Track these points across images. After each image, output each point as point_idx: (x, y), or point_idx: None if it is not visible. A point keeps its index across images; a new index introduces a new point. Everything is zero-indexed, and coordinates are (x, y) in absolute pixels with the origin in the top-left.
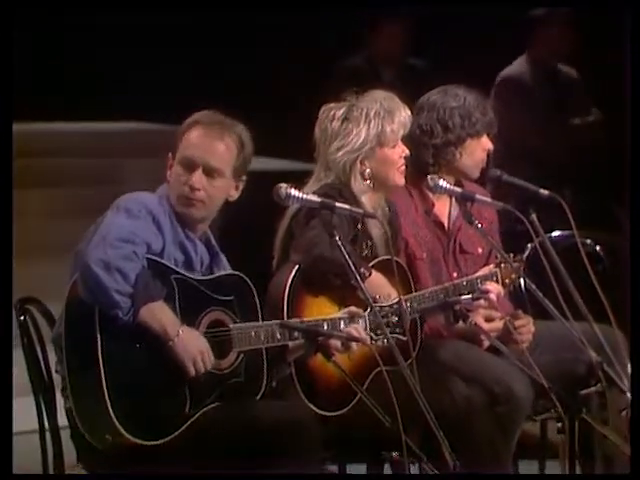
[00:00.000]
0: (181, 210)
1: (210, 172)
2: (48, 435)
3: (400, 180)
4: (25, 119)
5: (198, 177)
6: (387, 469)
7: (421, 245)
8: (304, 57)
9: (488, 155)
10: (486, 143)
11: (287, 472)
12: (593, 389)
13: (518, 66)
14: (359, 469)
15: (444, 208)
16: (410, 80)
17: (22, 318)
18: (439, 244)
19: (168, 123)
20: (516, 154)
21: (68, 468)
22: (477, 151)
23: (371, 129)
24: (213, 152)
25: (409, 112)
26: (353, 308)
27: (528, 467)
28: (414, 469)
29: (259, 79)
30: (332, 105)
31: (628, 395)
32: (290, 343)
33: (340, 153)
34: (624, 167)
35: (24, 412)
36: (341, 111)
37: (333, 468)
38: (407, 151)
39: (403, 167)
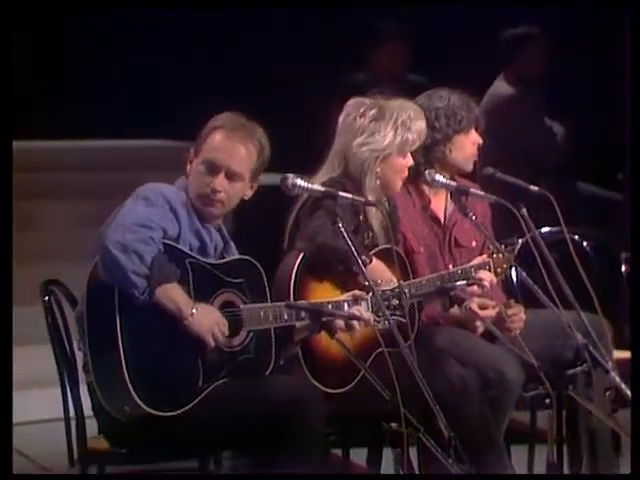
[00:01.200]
0: (201, 207)
1: (231, 175)
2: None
3: (399, 187)
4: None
5: (221, 180)
6: (387, 454)
7: (418, 239)
8: (305, 72)
9: (479, 149)
10: (475, 138)
11: (287, 472)
12: (579, 369)
13: (499, 83)
14: (361, 453)
15: (440, 204)
16: (412, 96)
17: (46, 298)
18: (435, 238)
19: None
20: (508, 160)
21: (90, 440)
22: (467, 146)
23: (397, 136)
24: (235, 156)
25: (425, 124)
26: (357, 291)
27: (519, 450)
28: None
29: (259, 93)
30: (362, 101)
31: (612, 375)
32: (297, 324)
33: (364, 149)
34: (623, 166)
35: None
36: (373, 110)
37: (337, 451)
38: (412, 161)
39: (405, 176)
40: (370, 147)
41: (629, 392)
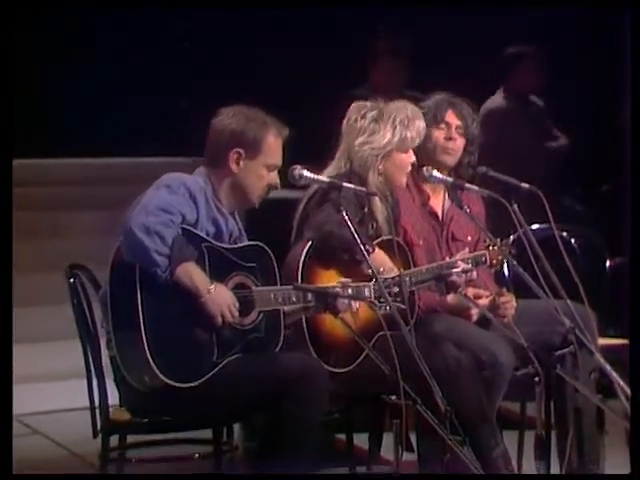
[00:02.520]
0: (254, 201)
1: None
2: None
3: (403, 182)
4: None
5: (277, 177)
6: (387, 440)
7: (418, 233)
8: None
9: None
10: (439, 133)
11: (288, 472)
12: (566, 350)
13: (497, 98)
14: (363, 438)
15: (439, 201)
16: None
17: (71, 280)
18: (434, 232)
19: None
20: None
21: (112, 412)
22: (439, 139)
23: (395, 134)
24: (281, 155)
25: (424, 124)
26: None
27: (509, 435)
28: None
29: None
30: (363, 104)
31: (597, 356)
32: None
33: (365, 147)
34: (623, 167)
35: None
36: (373, 112)
37: (340, 437)
38: (414, 158)
39: (409, 171)
40: (371, 146)
41: (614, 374)
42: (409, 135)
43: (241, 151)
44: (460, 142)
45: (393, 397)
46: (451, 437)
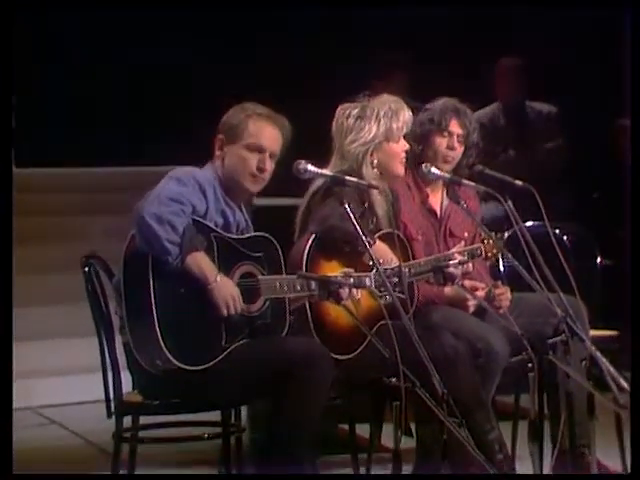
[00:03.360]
0: (242, 186)
1: (272, 155)
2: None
3: (401, 170)
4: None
5: (268, 160)
6: (387, 430)
7: (417, 228)
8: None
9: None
10: (442, 140)
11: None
12: (558, 338)
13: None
14: (365, 428)
15: (437, 199)
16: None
17: (86, 269)
18: (432, 228)
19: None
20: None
21: (126, 395)
22: (441, 147)
23: (380, 126)
24: (274, 139)
25: (411, 113)
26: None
27: (504, 427)
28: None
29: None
30: (348, 105)
31: (587, 344)
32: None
33: (354, 145)
34: (622, 167)
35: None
36: (356, 110)
37: (343, 426)
38: (408, 146)
39: (404, 159)
40: (359, 142)
41: (605, 361)
42: (395, 126)
43: (222, 137)
44: (459, 150)
45: (393, 379)
46: (448, 419)
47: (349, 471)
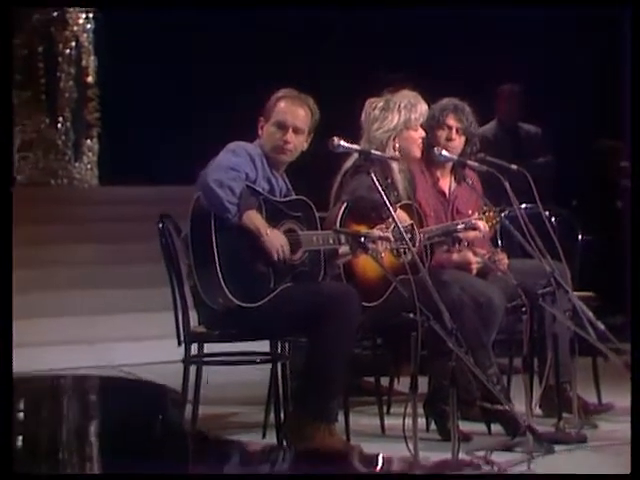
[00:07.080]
0: (274, 156)
1: (296, 130)
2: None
3: (418, 153)
4: None
5: (290, 134)
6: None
7: (429, 206)
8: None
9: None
10: (441, 133)
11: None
12: (547, 289)
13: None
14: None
15: (446, 182)
16: None
17: (161, 225)
18: (442, 207)
19: None
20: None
21: (193, 327)
22: (441, 139)
23: (401, 116)
24: (298, 116)
25: (427, 106)
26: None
27: None
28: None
29: None
30: (374, 99)
31: (570, 295)
32: (340, 250)
33: (379, 132)
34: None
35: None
36: (381, 103)
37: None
38: (424, 133)
39: (421, 144)
40: (383, 129)
41: (585, 308)
42: (413, 116)
43: (262, 118)
44: (459, 142)
45: (410, 314)
46: (456, 349)
47: (374, 409)
